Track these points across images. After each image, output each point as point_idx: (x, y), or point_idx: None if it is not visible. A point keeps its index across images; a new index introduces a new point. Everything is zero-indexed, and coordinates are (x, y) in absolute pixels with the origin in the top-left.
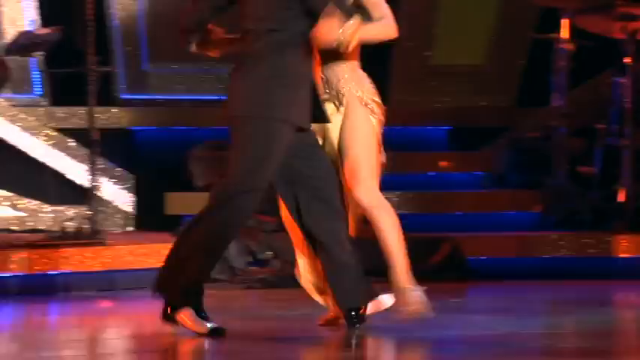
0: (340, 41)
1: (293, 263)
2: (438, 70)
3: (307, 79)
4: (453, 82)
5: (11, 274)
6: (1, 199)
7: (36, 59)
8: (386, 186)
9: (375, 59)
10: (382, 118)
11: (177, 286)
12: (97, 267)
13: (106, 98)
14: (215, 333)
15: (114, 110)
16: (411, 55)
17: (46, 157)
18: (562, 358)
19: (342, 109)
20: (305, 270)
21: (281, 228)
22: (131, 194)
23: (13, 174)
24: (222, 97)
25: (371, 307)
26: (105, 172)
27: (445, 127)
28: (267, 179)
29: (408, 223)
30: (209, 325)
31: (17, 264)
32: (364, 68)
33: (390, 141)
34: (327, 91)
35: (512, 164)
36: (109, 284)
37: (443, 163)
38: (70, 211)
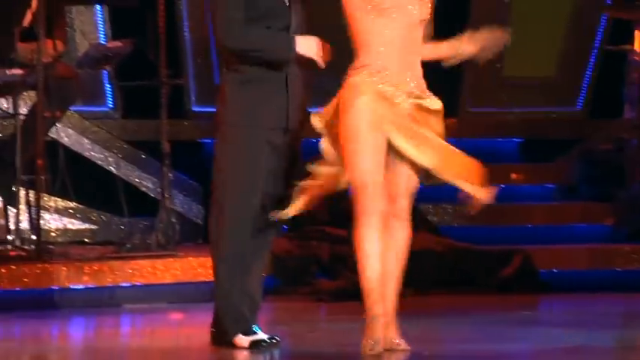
0: None
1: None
2: (509, 82)
3: (277, 82)
4: (524, 94)
5: (83, 286)
6: (73, 211)
7: (107, 72)
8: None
9: (446, 71)
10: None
11: (222, 326)
12: (167, 279)
13: (178, 111)
14: (254, 345)
15: (185, 123)
16: (483, 67)
17: (117, 170)
18: None
19: None
20: None
21: (351, 240)
22: (201, 206)
23: (84, 186)
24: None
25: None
26: (176, 185)
27: (516, 139)
28: (252, 187)
29: (479, 236)
30: (253, 338)
31: (89, 276)
32: (436, 80)
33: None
34: None
35: (583, 176)
36: (179, 296)
37: (515, 175)
38: (141, 223)
